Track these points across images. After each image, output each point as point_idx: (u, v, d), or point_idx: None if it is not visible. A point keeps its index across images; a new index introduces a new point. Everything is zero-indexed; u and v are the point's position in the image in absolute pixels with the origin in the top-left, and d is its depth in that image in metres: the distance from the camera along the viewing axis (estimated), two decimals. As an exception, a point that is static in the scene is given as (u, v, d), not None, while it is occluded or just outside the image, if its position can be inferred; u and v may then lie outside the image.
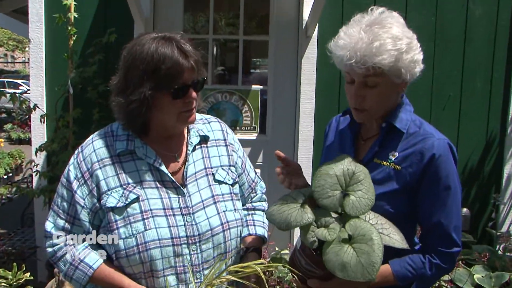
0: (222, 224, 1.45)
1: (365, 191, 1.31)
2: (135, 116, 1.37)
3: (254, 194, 1.70)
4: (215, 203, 1.47)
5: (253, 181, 1.69)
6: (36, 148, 3.36)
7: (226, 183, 1.53)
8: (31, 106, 3.34)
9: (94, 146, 1.44)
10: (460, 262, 3.27)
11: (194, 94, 1.39)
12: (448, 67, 3.69)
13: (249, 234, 1.59)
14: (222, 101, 3.74)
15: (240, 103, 3.76)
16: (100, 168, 1.40)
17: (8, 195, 4.67)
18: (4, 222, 4.22)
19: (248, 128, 3.78)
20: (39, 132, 3.52)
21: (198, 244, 1.41)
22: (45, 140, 3.48)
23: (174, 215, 1.40)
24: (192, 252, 1.40)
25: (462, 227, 3.31)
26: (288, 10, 3.68)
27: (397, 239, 1.29)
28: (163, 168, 1.42)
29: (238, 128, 3.77)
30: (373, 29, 1.39)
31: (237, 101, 3.76)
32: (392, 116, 1.48)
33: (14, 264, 2.76)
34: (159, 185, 1.42)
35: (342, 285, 1.31)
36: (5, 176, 6.81)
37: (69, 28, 3.28)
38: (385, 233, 1.30)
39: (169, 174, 1.43)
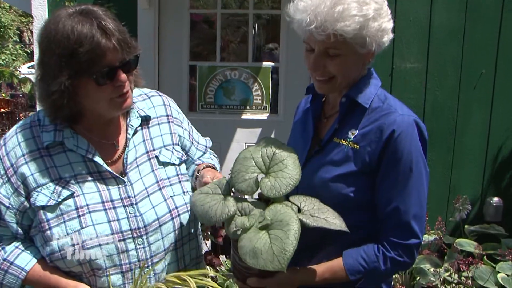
0: (170, 211, 1.35)
1: (286, 170, 1.23)
2: (59, 108, 1.23)
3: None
4: (160, 189, 1.37)
5: (206, 147, 1.61)
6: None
7: (172, 164, 1.42)
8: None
9: (18, 139, 1.30)
10: (484, 257, 2.98)
11: (124, 76, 1.24)
12: (481, 40, 3.31)
13: (197, 165, 1.54)
14: (232, 79, 3.58)
15: (250, 81, 3.59)
16: (26, 163, 1.27)
17: None
18: None
19: (259, 107, 3.62)
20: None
21: (145, 237, 1.31)
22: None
23: (114, 207, 1.29)
24: (138, 246, 1.30)
25: (494, 218, 3.11)
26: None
27: (334, 222, 1.21)
28: (97, 159, 1.30)
29: (248, 107, 3.62)
30: None
31: (247, 79, 3.59)
32: (353, 90, 1.36)
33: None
34: (95, 177, 1.30)
35: (281, 281, 1.26)
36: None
37: (67, 4, 3.17)
38: (321, 216, 1.22)
39: (105, 165, 1.30)
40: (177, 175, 1.43)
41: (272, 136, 3.57)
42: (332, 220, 1.22)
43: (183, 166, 1.47)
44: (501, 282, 2.75)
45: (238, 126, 3.54)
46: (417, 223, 1.29)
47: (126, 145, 1.37)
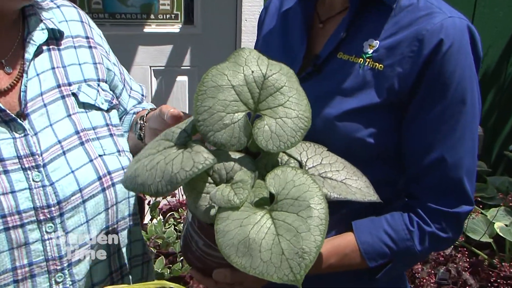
0: (99, 178, 1.00)
1: (290, 106, 0.85)
2: None
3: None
4: (82, 143, 1.00)
5: (142, 95, 1.31)
6: None
7: (98, 108, 1.07)
8: None
9: None
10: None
11: None
12: None
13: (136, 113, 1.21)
14: (126, -25, 2.85)
15: (153, -22, 2.88)
16: None
17: None
18: None
19: (168, 16, 2.93)
20: None
21: (58, 221, 0.93)
22: None
23: (6, 172, 0.91)
24: (47, 236, 0.93)
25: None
26: None
27: (358, 187, 0.86)
28: None
29: (152, 16, 2.90)
30: None
31: (149, -25, 2.87)
32: None
33: None
34: None
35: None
36: None
37: None
38: (338, 178, 0.88)
39: None
40: (107, 125, 1.08)
41: (187, 55, 2.91)
42: (354, 184, 0.86)
43: (115, 114, 1.13)
44: (500, 233, 2.28)
45: (140, 43, 2.87)
46: (470, 182, 1.00)
47: (23, 71, 0.98)
